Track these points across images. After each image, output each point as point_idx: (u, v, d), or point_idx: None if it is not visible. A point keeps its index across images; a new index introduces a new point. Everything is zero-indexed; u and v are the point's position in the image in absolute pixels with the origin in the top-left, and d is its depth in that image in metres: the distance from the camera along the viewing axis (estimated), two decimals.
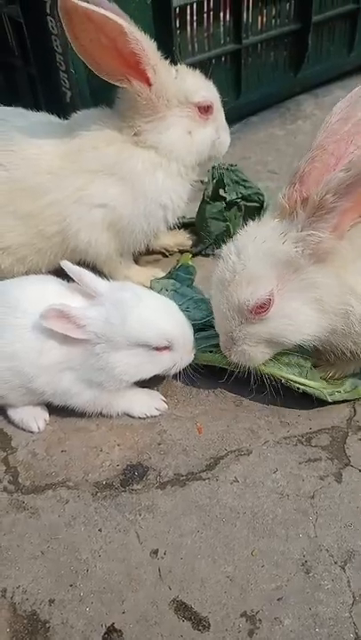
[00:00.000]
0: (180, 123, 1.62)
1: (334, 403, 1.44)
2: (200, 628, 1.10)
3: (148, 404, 1.47)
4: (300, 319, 1.24)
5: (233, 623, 1.10)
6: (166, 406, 1.48)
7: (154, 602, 1.14)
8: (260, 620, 1.10)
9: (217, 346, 1.43)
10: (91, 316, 1.29)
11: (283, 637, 1.08)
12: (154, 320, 1.32)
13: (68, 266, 1.38)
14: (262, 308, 1.23)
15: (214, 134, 1.71)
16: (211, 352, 1.46)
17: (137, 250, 1.82)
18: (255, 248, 1.23)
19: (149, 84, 1.51)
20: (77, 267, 1.38)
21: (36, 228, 1.61)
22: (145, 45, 1.44)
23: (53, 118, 1.76)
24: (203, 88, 1.64)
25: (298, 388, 1.39)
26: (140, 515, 1.27)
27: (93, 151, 1.60)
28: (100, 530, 1.24)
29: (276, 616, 1.10)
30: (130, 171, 1.60)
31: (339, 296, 1.23)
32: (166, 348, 1.35)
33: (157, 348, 1.33)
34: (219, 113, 1.71)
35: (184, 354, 1.39)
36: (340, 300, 1.23)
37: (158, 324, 1.32)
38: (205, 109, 1.64)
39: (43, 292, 1.36)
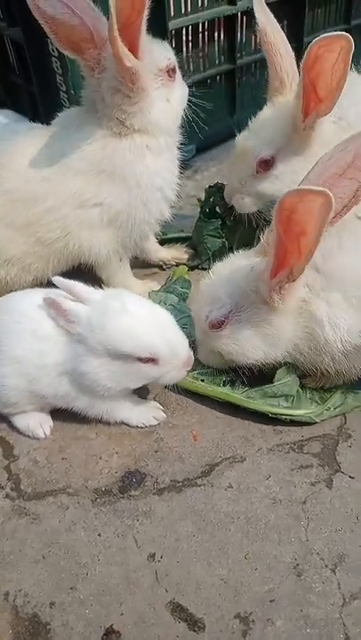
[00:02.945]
0: (160, 94, 1.59)
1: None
2: (195, 629, 1.14)
3: (146, 413, 1.51)
4: (246, 346, 1.37)
5: (227, 624, 1.14)
6: (164, 415, 1.52)
7: (151, 604, 1.18)
8: (253, 621, 1.14)
9: (207, 374, 1.54)
10: (79, 315, 1.31)
11: (275, 638, 1.12)
12: (136, 331, 1.29)
13: (58, 280, 1.37)
14: (216, 326, 1.39)
15: (184, 89, 1.69)
16: (202, 380, 1.53)
17: (143, 243, 1.84)
18: (227, 273, 1.40)
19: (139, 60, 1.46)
20: (67, 280, 1.38)
21: (35, 236, 1.63)
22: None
23: (36, 125, 1.77)
24: (164, 50, 1.59)
25: (286, 419, 1.46)
26: (138, 520, 1.31)
27: (78, 151, 1.59)
28: (99, 535, 1.29)
29: (268, 617, 1.15)
30: (118, 164, 1.59)
31: (296, 328, 1.33)
32: (151, 360, 1.32)
33: (141, 360, 1.32)
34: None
35: (172, 369, 1.36)
36: (300, 329, 1.33)
37: (140, 335, 1.29)
38: (173, 70, 1.60)
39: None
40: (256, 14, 1.66)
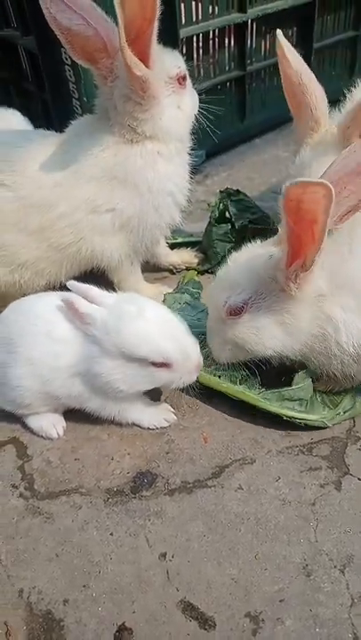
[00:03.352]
0: (171, 101, 1.62)
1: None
2: (206, 627, 1.16)
3: (158, 415, 1.54)
4: (264, 335, 1.36)
5: (237, 623, 1.16)
6: (175, 418, 1.54)
7: (162, 602, 1.20)
8: (263, 620, 1.16)
9: (224, 369, 1.54)
10: (94, 318, 1.34)
11: (285, 637, 1.14)
12: (151, 336, 1.32)
13: (73, 285, 1.41)
14: (235, 313, 1.37)
15: (194, 96, 1.72)
16: (219, 377, 1.53)
17: (154, 247, 1.85)
18: (246, 260, 1.38)
19: (151, 70, 1.49)
20: (83, 284, 1.41)
21: (48, 241, 1.67)
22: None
23: (49, 132, 1.80)
24: (174, 59, 1.63)
25: (299, 423, 1.47)
26: (150, 520, 1.33)
27: (91, 158, 1.62)
28: (111, 534, 1.31)
29: (278, 617, 1.16)
30: (130, 170, 1.62)
31: (313, 322, 1.33)
32: (165, 365, 1.35)
33: (154, 364, 1.35)
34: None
35: (185, 373, 1.39)
36: (315, 325, 1.33)
37: (155, 340, 1.32)
38: (183, 78, 1.63)
39: (59, 302, 1.43)
40: (289, 59, 1.59)
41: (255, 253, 1.40)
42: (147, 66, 1.47)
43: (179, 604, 1.19)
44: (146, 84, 1.49)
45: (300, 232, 1.17)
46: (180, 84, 1.63)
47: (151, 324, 1.34)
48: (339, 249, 1.31)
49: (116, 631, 1.16)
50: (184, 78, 1.65)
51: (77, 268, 1.78)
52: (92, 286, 1.42)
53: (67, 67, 2.07)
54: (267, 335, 1.36)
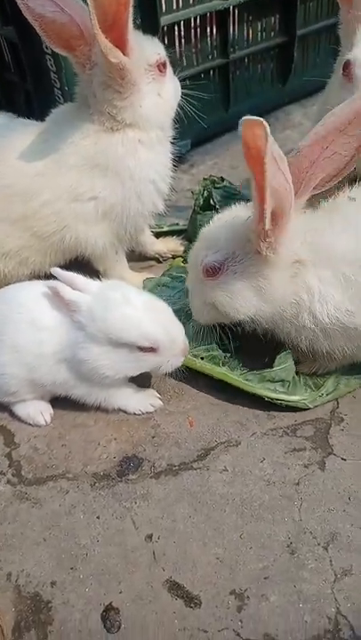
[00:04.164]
0: (151, 89, 1.61)
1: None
2: (192, 605, 1.18)
3: (144, 400, 1.55)
4: (238, 299, 1.37)
5: (223, 600, 1.18)
6: (161, 403, 1.56)
7: (149, 582, 1.21)
8: (247, 597, 1.18)
9: (209, 351, 1.55)
10: (79, 305, 1.36)
11: (269, 612, 1.16)
12: (137, 321, 1.34)
13: (58, 272, 1.42)
14: (211, 274, 1.38)
15: (175, 83, 1.72)
16: (202, 359, 1.55)
17: (139, 235, 1.85)
18: (227, 221, 1.39)
19: (128, 57, 1.48)
20: (68, 272, 1.42)
21: (31, 230, 1.67)
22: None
23: (30, 121, 1.79)
24: (154, 46, 1.62)
25: (280, 404, 1.49)
26: (136, 502, 1.35)
27: (71, 146, 1.62)
28: (98, 517, 1.33)
29: (262, 593, 1.18)
30: (111, 158, 1.62)
31: (288, 289, 1.33)
32: (151, 349, 1.37)
33: (141, 349, 1.37)
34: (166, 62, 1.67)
35: (171, 357, 1.41)
36: (290, 292, 1.33)
37: (141, 325, 1.34)
38: (163, 65, 1.63)
39: (43, 290, 1.44)
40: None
41: (238, 214, 1.40)
42: (124, 53, 1.46)
43: (165, 584, 1.21)
44: (123, 71, 1.49)
45: (257, 177, 1.14)
46: (160, 71, 1.63)
47: (136, 309, 1.35)
48: (319, 222, 1.33)
49: (103, 611, 1.18)
50: (164, 65, 1.64)
51: (62, 256, 1.78)
52: (76, 274, 1.43)
53: (48, 56, 2.06)
54: (241, 299, 1.37)
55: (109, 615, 1.17)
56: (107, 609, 1.18)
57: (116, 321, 1.34)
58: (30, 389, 1.48)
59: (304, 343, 1.40)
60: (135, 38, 1.51)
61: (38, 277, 1.75)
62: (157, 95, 1.64)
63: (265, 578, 1.21)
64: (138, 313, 1.35)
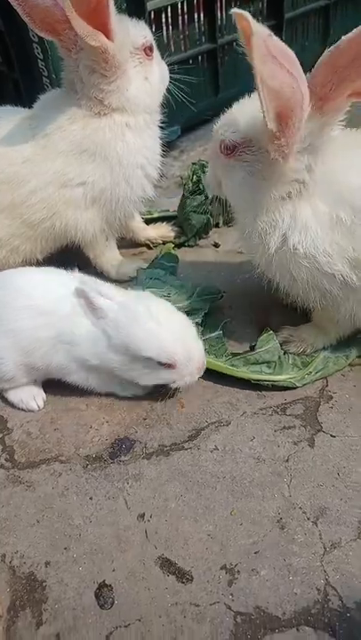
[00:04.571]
0: (138, 72, 1.62)
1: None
2: (184, 580, 1.20)
3: (135, 385, 1.56)
4: (236, 188, 1.38)
5: (214, 575, 1.20)
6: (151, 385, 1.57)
7: (141, 560, 1.23)
8: (238, 571, 1.20)
9: (213, 346, 1.58)
10: (107, 313, 1.38)
11: (259, 586, 1.17)
12: (159, 337, 1.35)
13: (83, 280, 1.42)
14: (225, 150, 1.35)
15: (163, 67, 1.72)
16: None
17: (129, 221, 1.85)
18: (253, 108, 1.28)
19: (112, 41, 1.49)
20: (92, 278, 1.44)
21: (21, 218, 1.68)
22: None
23: (17, 109, 1.80)
24: (140, 29, 1.63)
25: (267, 384, 1.50)
26: (128, 483, 1.37)
27: (60, 132, 1.63)
28: (90, 498, 1.34)
29: (253, 567, 1.20)
30: (99, 143, 1.63)
31: (278, 205, 1.31)
32: (169, 365, 1.38)
33: (160, 364, 1.38)
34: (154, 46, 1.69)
35: (187, 374, 1.41)
36: (278, 208, 1.31)
37: (162, 341, 1.35)
38: (150, 49, 1.63)
39: (43, 277, 1.47)
40: None
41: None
42: (107, 36, 1.46)
43: (157, 561, 1.23)
44: (106, 54, 1.49)
45: (261, 76, 1.10)
46: (146, 54, 1.63)
47: (159, 324, 1.36)
48: (345, 150, 1.29)
49: (97, 588, 1.20)
50: (151, 49, 1.64)
51: (53, 244, 1.79)
52: (101, 281, 1.45)
53: (35, 44, 2.06)
54: (238, 190, 1.37)
55: (103, 592, 1.19)
56: (100, 586, 1.20)
57: (138, 335, 1.35)
58: (26, 373, 1.49)
59: (279, 280, 1.40)
60: (120, 22, 1.51)
61: (30, 265, 1.77)
62: (144, 79, 1.65)
63: (255, 552, 1.22)
64: (160, 329, 1.36)
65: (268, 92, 1.11)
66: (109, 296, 1.40)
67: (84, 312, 1.41)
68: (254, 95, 1.34)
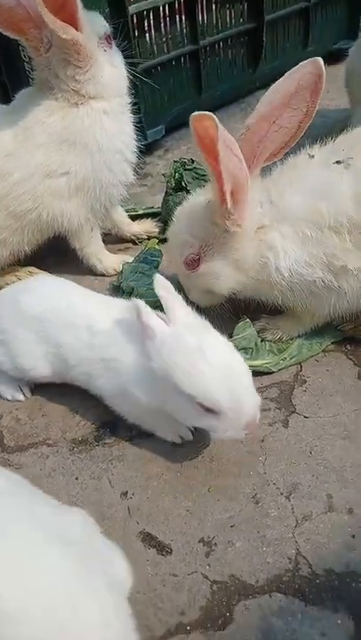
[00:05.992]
0: (106, 60, 1.72)
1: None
2: (164, 553, 1.27)
3: (173, 428, 1.49)
4: (222, 277, 1.49)
5: (192, 548, 1.27)
6: (191, 436, 1.50)
7: (124, 534, 1.30)
8: (215, 543, 1.27)
9: None
10: (155, 334, 1.27)
11: (235, 556, 1.25)
12: (205, 378, 1.20)
13: (160, 282, 1.33)
14: (193, 266, 1.50)
15: (119, 52, 1.81)
16: None
17: (112, 210, 1.95)
18: (188, 214, 1.50)
19: (81, 32, 1.58)
20: (170, 286, 1.33)
21: (6, 210, 1.75)
22: None
23: None
24: (99, 20, 1.73)
25: None
26: (112, 464, 1.44)
27: (39, 125, 1.71)
28: (76, 478, 1.42)
29: (229, 540, 1.27)
30: (78, 131, 1.71)
31: (257, 253, 1.44)
32: (212, 411, 1.22)
33: (201, 406, 1.23)
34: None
35: (231, 428, 1.24)
36: (258, 255, 1.44)
37: (208, 384, 1.20)
38: (110, 37, 1.74)
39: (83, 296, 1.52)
40: None
41: (195, 203, 1.51)
42: (77, 29, 1.55)
43: (138, 535, 1.30)
44: (77, 45, 1.58)
45: (213, 164, 1.26)
46: (108, 42, 1.73)
47: (210, 365, 1.21)
48: (281, 180, 1.43)
49: None
50: (110, 37, 1.74)
51: (40, 235, 1.86)
52: (178, 298, 1.33)
53: (20, 47, 2.14)
54: (224, 277, 1.49)
55: None
56: None
57: (182, 368, 1.22)
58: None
59: (278, 298, 1.51)
60: (84, 15, 1.60)
61: (18, 258, 1.84)
62: (111, 65, 1.75)
63: (231, 526, 1.30)
64: (208, 369, 1.20)
65: (227, 176, 1.28)
66: (170, 315, 1.28)
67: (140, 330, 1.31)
68: (180, 208, 1.58)
